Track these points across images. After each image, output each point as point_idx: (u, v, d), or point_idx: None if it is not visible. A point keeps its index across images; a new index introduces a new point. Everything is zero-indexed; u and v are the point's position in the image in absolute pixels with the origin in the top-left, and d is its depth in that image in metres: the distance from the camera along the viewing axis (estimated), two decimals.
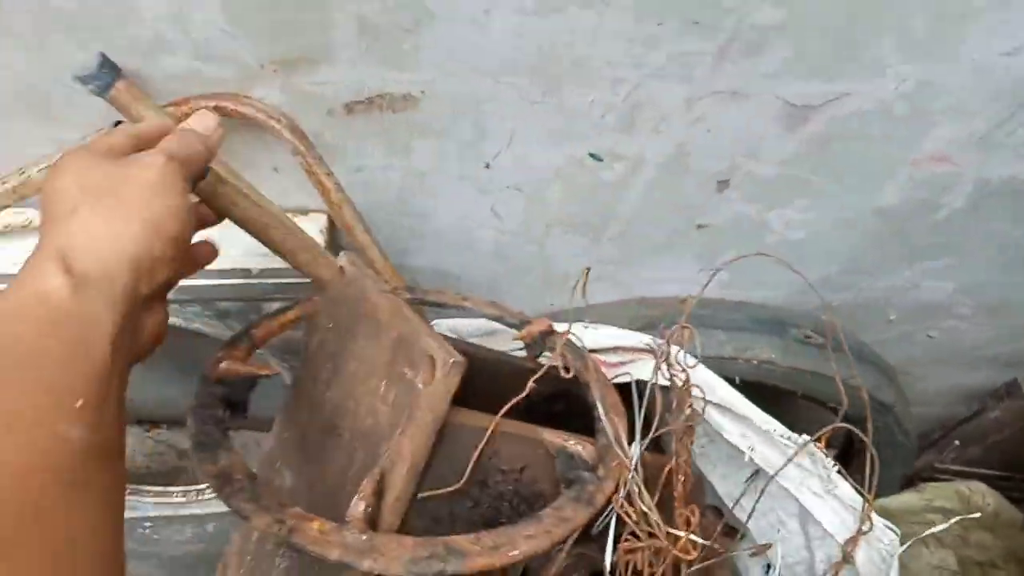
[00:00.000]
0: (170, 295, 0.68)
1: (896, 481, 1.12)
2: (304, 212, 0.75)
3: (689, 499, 0.60)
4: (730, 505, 0.76)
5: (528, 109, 0.67)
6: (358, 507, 0.44)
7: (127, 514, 0.97)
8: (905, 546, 0.94)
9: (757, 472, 0.73)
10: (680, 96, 0.67)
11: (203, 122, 0.52)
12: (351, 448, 0.51)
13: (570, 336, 0.62)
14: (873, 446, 1.00)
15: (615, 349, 0.72)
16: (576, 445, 0.51)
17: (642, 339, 0.71)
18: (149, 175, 0.44)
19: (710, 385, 0.70)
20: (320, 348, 0.59)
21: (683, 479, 0.60)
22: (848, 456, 1.16)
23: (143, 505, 0.93)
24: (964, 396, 1.18)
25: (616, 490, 0.53)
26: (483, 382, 0.51)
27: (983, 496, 1.09)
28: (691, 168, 0.75)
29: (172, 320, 0.71)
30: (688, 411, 0.62)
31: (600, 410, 0.57)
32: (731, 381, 0.91)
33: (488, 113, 0.67)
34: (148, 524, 0.96)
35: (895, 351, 1.04)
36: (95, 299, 0.40)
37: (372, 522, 0.45)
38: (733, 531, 0.78)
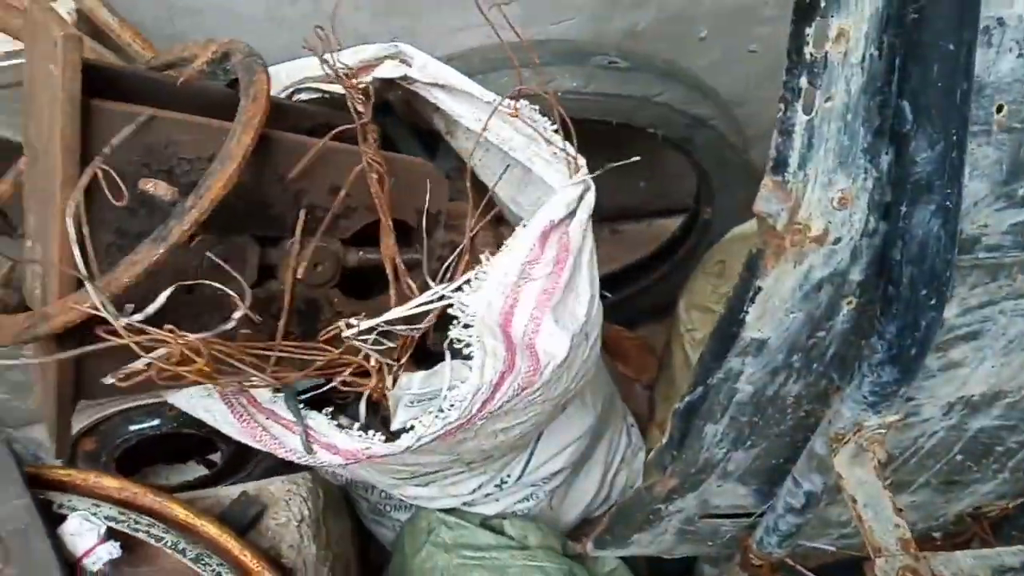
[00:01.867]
0: None
1: (748, 202, 1.14)
2: None
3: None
4: (513, 208, 0.79)
5: None
6: None
7: None
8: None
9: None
10: None
11: None
12: (42, 167, 0.54)
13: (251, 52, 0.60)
14: (703, 168, 1.03)
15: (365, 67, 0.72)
16: (152, 186, 0.52)
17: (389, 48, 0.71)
18: None
19: (439, 74, 0.70)
20: (26, 98, 0.60)
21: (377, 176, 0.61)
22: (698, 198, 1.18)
23: None
24: None
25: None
26: None
27: None
28: None
29: None
30: (360, 105, 0.62)
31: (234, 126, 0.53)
32: None
33: None
34: None
35: (724, 78, 1.04)
36: None
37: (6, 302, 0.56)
38: None
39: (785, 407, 0.64)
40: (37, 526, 0.79)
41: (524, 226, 0.60)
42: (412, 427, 0.58)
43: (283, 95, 0.73)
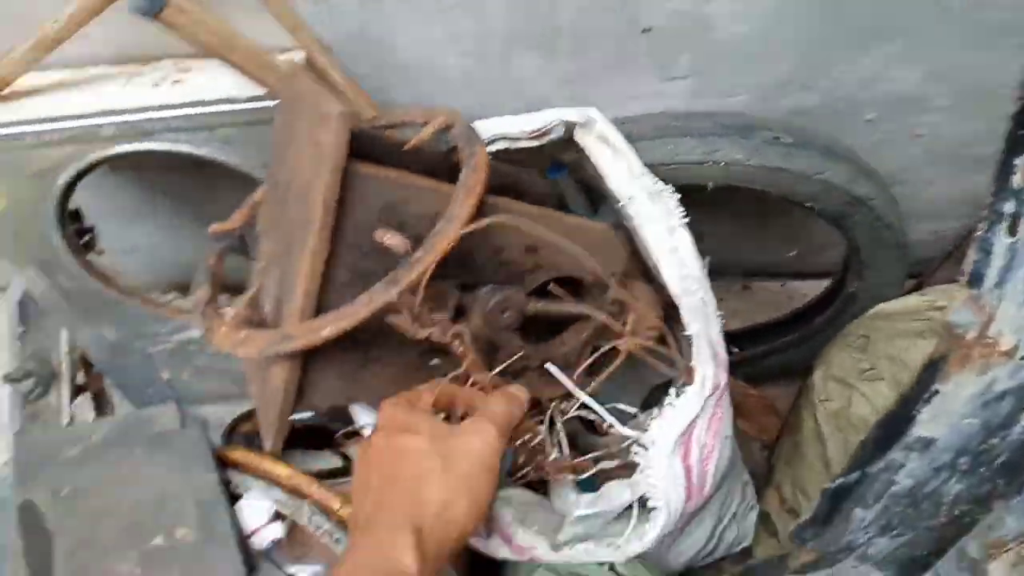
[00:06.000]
0: (181, 124, 0.82)
1: (898, 284, 1.14)
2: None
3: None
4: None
5: None
6: (239, 310, 0.62)
7: (197, 334, 1.16)
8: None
9: None
10: None
11: (519, 394, 0.60)
12: (292, 209, 0.63)
13: (469, 125, 0.68)
14: (857, 244, 1.04)
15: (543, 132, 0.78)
16: (389, 238, 0.58)
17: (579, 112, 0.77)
18: (481, 449, 0.51)
19: (610, 137, 0.75)
20: (278, 145, 0.70)
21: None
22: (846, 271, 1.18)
23: None
24: (976, 204, 1.16)
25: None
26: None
27: None
28: None
29: (185, 148, 0.85)
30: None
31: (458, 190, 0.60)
32: (702, 187, 0.97)
33: None
34: None
35: (886, 158, 1.05)
36: (429, 573, 0.46)
37: (251, 318, 0.63)
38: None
39: (941, 504, 0.66)
40: (221, 500, 0.90)
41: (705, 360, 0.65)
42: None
43: None
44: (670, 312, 0.82)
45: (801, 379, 1.25)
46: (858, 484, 0.66)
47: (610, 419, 0.67)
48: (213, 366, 1.23)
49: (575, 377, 0.76)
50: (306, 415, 1.36)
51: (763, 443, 1.45)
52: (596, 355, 0.76)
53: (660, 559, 1.21)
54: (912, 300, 1.11)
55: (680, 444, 0.62)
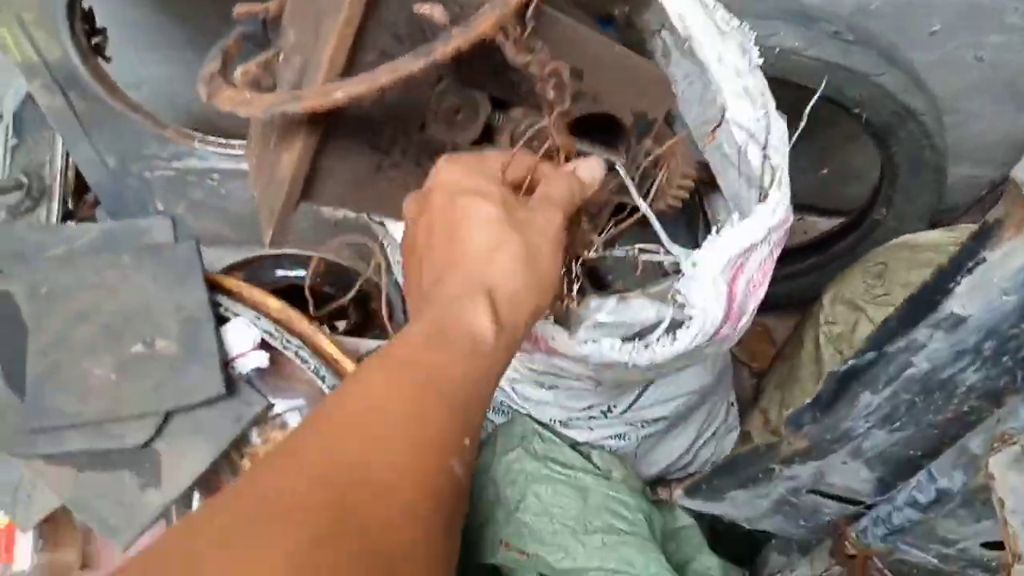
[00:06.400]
0: None
1: (926, 217, 1.11)
2: None
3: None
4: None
5: None
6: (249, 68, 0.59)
7: (197, 163, 1.11)
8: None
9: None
10: None
11: (592, 172, 0.55)
12: None
13: None
14: (895, 164, 1.01)
15: None
16: (429, 8, 0.53)
17: None
18: (550, 231, 0.47)
19: None
20: None
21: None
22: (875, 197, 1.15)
23: (210, 155, 1.07)
24: (1018, 150, 1.12)
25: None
26: None
27: None
28: None
29: None
30: None
31: None
32: None
33: None
34: (216, 176, 1.11)
35: (942, 78, 1.00)
36: (504, 346, 0.42)
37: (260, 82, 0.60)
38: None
39: (952, 395, 0.63)
40: (208, 318, 0.88)
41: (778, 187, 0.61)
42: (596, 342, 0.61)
43: None
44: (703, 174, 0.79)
45: (807, 307, 1.23)
46: (871, 365, 0.64)
47: (664, 237, 0.63)
48: (208, 202, 1.19)
49: (599, 230, 0.72)
50: (299, 273, 1.33)
51: (753, 370, 1.44)
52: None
53: (634, 464, 1.21)
54: (938, 234, 1.08)
55: (730, 267, 0.59)
